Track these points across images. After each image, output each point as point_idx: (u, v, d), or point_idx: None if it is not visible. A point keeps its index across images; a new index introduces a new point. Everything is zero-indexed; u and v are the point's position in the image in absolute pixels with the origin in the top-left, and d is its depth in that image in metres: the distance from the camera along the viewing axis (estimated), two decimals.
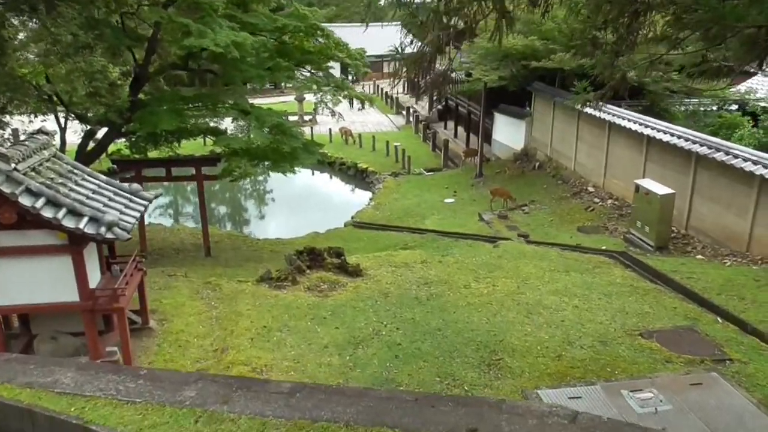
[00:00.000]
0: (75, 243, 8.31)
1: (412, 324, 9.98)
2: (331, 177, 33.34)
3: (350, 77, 38.31)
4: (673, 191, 14.14)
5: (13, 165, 7.61)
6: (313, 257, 13.11)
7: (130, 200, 9.21)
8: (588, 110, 19.72)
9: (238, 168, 18.62)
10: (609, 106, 19.51)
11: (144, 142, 17.80)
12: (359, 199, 28.81)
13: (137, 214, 8.95)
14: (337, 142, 35.15)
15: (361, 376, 8.42)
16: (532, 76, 24.26)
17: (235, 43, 14.75)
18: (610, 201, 18.57)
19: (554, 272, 12.29)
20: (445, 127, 36.64)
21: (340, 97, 18.53)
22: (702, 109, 22.17)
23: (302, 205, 29.19)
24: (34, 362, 5.82)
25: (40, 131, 8.87)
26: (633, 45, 5.76)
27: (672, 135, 15.24)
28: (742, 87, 21.33)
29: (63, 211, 7.87)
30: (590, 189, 19.95)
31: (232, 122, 19.64)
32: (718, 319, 9.66)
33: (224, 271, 15.94)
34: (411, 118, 41.57)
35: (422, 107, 43.74)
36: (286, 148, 16.48)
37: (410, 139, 36.02)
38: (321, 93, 18.24)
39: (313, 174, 32.79)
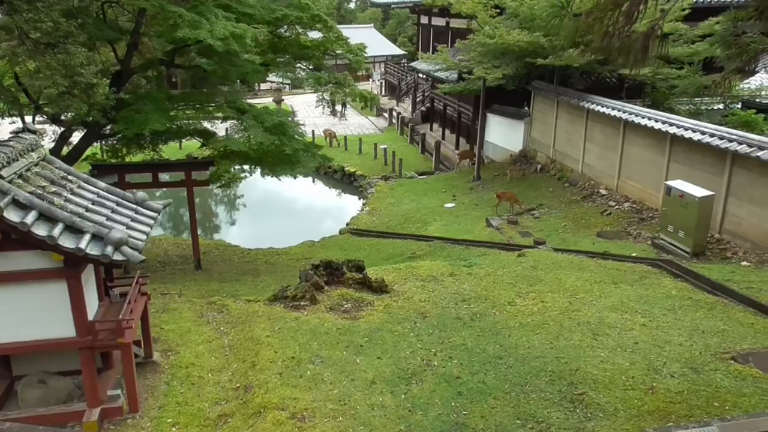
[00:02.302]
0: (72, 266, 6.74)
1: (466, 351, 8.65)
2: (314, 181, 31.84)
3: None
4: (712, 193, 13.17)
5: None
6: (331, 272, 11.67)
7: (137, 212, 7.66)
8: (600, 108, 18.80)
9: (227, 173, 17.13)
10: (622, 103, 18.63)
11: (125, 145, 16.10)
12: (348, 204, 27.41)
13: (147, 229, 7.40)
14: (321, 145, 33.59)
15: (425, 421, 7.04)
16: (532, 75, 23.26)
17: (234, 35, 13.25)
18: (627, 204, 17.57)
19: (601, 284, 11.13)
20: (431, 129, 35.45)
21: (343, 95, 17.15)
22: (704, 107, 21.52)
23: (287, 210, 27.60)
24: None
25: (26, 129, 7.24)
26: None
27: (703, 133, 14.28)
28: (752, 84, 20.69)
29: (59, 227, 6.30)
30: (602, 192, 18.95)
31: (221, 123, 18.11)
32: None
33: (221, 287, 14.39)
34: (394, 120, 40.32)
35: (404, 109, 42.53)
36: (287, 150, 14.98)
37: (397, 142, 34.70)
38: (322, 90, 16.83)
39: (294, 177, 31.21)
